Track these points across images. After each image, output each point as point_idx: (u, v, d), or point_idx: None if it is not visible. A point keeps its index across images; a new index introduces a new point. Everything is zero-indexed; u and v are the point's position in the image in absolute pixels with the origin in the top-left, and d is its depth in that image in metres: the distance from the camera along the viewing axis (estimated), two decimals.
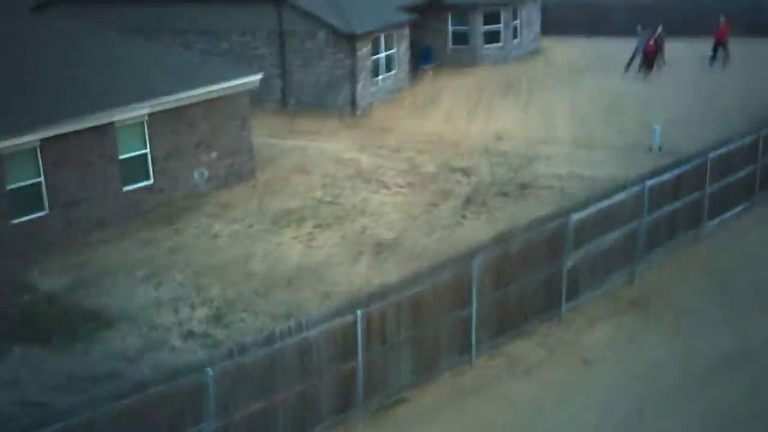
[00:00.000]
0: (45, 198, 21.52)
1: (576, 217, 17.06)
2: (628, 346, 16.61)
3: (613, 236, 18.17)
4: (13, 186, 20.90)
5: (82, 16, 34.32)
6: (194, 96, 24.21)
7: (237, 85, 25.49)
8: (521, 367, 15.84)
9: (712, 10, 43.31)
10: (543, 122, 31.67)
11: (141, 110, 22.99)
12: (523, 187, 24.83)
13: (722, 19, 39.01)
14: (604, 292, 18.32)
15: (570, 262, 17.23)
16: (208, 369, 12.41)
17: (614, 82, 37.34)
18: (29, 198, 21.23)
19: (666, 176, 19.22)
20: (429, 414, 14.56)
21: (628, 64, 38.70)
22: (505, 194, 24.32)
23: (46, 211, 21.57)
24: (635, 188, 18.43)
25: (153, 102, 23.23)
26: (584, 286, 17.90)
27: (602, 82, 37.28)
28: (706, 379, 15.43)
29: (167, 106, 23.57)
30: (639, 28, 39.34)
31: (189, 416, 12.42)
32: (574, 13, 49.74)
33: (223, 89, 25.06)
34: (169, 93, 23.74)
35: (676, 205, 19.77)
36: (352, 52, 33.23)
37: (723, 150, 20.83)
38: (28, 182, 21.23)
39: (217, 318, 17.66)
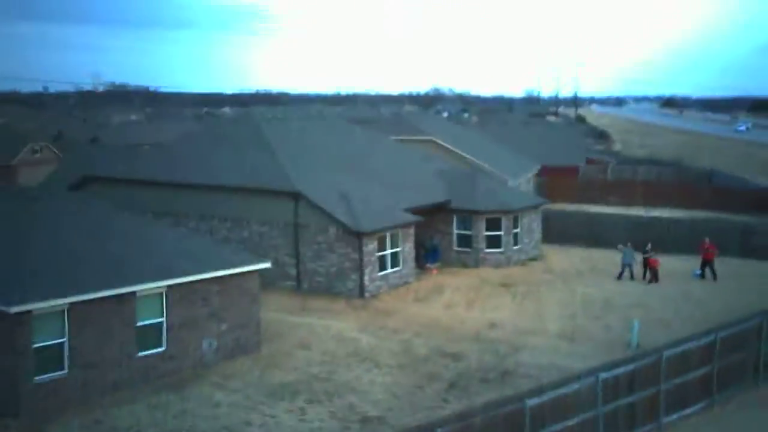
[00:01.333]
0: (66, 358, 23.75)
1: (530, 402, 19.09)
2: None
3: (571, 422, 20.06)
4: (39, 345, 23.20)
5: (115, 196, 37.97)
6: (210, 277, 26.91)
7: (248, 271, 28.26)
8: None
9: (703, 231, 46.55)
10: (534, 316, 33.96)
11: (160, 284, 25.62)
12: (505, 374, 26.78)
13: (707, 240, 42.32)
14: None
15: None
16: None
17: (607, 286, 39.82)
18: (52, 357, 23.49)
19: (620, 370, 21.24)
20: None
21: (620, 274, 41.49)
22: (487, 380, 26.26)
23: (66, 371, 23.76)
24: (589, 379, 20.46)
25: (171, 281, 25.93)
26: None
27: (596, 286, 39.76)
28: None
29: (185, 282, 26.20)
30: (620, 246, 42.49)
31: None
32: (574, 224, 53.00)
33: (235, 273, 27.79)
34: (186, 274, 26.48)
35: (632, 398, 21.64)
36: (360, 247, 36.22)
37: (678, 349, 22.90)
38: (53, 342, 23.52)
39: None
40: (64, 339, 23.71)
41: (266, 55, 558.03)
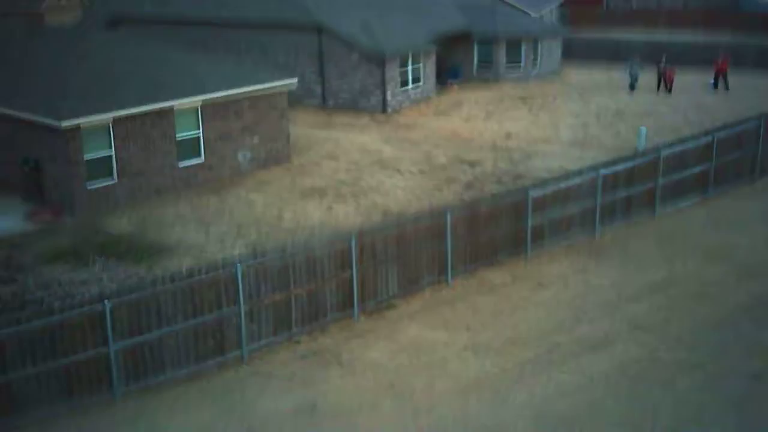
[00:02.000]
0: (114, 169, 26.10)
1: (533, 193, 21.29)
2: (577, 275, 20.79)
3: (572, 209, 22.29)
4: (90, 156, 25.53)
5: (147, 34, 39.46)
6: (240, 93, 28.81)
7: (276, 86, 30.07)
8: (488, 286, 20.06)
9: (719, 47, 48.14)
10: (549, 126, 35.81)
11: (195, 99, 27.60)
12: (518, 177, 28.82)
13: (721, 54, 44.20)
14: (567, 244, 22.37)
15: (533, 222, 21.40)
16: (238, 264, 16.72)
17: (622, 98, 41.51)
18: (102, 168, 25.84)
19: (620, 166, 23.17)
20: (412, 316, 18.82)
21: (632, 86, 43.24)
22: (501, 182, 28.34)
23: (115, 180, 26.16)
24: (590, 174, 22.44)
25: (205, 96, 27.86)
26: (548, 238, 21.99)
27: (611, 98, 41.47)
28: (634, 298, 19.52)
29: (218, 97, 28.15)
30: (629, 61, 44.55)
31: (227, 299, 16.82)
32: (596, 46, 54.22)
33: (265, 88, 29.61)
34: (219, 89, 28.39)
35: (630, 191, 23.67)
36: (382, 67, 37.94)
37: (676, 148, 24.61)
38: (102, 154, 25.80)
39: (253, 248, 21.94)
40: (111, 152, 25.97)
41: None
